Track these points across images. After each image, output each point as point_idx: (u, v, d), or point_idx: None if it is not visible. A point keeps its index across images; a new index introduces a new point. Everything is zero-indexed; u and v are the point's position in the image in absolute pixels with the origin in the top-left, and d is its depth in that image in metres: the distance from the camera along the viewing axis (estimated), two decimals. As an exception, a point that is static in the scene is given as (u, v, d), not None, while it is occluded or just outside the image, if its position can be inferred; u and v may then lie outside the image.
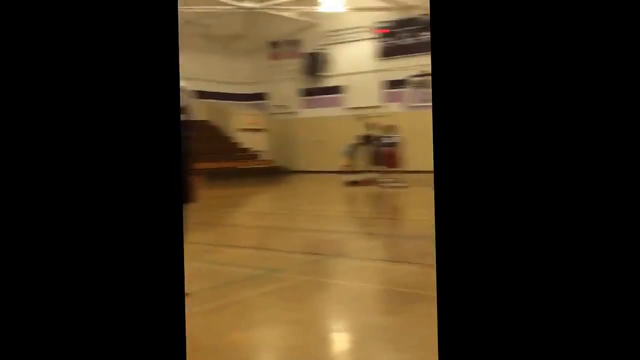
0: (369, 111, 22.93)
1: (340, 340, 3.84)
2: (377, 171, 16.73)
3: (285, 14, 23.98)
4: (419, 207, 11.90)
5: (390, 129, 16.10)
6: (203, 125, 24.64)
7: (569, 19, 1.09)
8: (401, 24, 22.88)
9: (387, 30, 23.19)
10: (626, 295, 1.09)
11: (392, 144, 15.67)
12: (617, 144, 1.07)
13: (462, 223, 1.24)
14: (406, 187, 15.23)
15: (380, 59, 23.49)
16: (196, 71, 23.88)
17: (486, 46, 1.16)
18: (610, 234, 1.09)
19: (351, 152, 17.41)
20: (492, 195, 1.18)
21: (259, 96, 27.29)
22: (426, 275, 5.58)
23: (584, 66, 1.09)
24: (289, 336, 3.79)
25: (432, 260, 5.42)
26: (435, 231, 1.27)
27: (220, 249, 7.09)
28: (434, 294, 4.69)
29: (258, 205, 14.60)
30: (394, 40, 23.15)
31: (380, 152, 16.30)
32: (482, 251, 1.20)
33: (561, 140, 1.10)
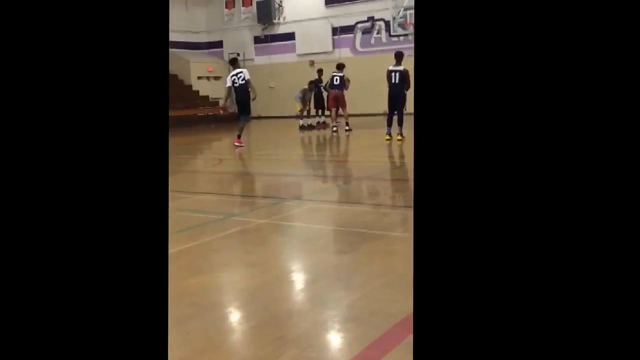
0: (320, 57, 22.75)
1: (295, 280, 3.91)
2: (327, 115, 16.71)
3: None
4: (366, 150, 11.99)
5: (339, 73, 15.94)
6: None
7: (551, 23, 1.07)
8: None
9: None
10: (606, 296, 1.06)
11: (338, 89, 15.57)
12: (604, 146, 1.05)
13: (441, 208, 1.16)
14: (350, 130, 15.34)
15: (329, 6, 23.18)
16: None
17: (469, 48, 1.12)
18: (590, 234, 1.06)
19: (303, 97, 17.30)
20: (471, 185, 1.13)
21: (215, 44, 26.80)
22: (375, 215, 5.68)
23: (563, 71, 1.07)
24: (247, 278, 3.84)
25: (379, 199, 5.55)
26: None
27: (180, 195, 7.05)
28: (382, 232, 4.79)
29: (217, 151, 14.51)
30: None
31: (329, 96, 16.21)
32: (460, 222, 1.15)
33: (543, 138, 1.07)
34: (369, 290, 3.38)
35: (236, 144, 12.69)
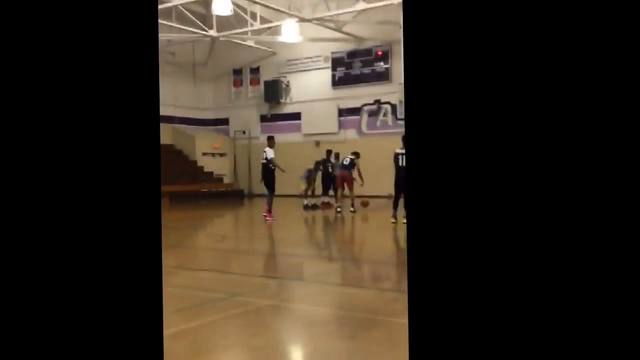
0: (325, 137, 22.99)
1: (300, 367, 3.78)
2: (332, 195, 16.72)
3: (247, 42, 23.98)
4: (371, 232, 11.92)
5: (345, 154, 16.18)
6: (168, 149, 24.39)
7: (541, 45, 1.07)
8: (355, 54, 23.06)
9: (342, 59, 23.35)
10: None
11: (347, 170, 15.73)
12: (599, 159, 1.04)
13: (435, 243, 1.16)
14: (355, 211, 15.42)
15: (336, 88, 23.60)
16: (162, 96, 23.71)
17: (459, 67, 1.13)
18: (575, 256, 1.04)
19: (309, 176, 17.39)
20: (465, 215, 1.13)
21: (222, 121, 27.16)
22: (381, 300, 5.56)
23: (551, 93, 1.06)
24: (251, 364, 3.71)
25: (384, 284, 5.40)
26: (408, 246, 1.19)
27: (182, 272, 6.96)
28: (389, 318, 4.65)
29: (220, 228, 14.44)
30: (348, 70, 23.31)
31: (335, 177, 16.37)
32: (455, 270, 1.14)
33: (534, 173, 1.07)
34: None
35: (264, 215, 13.82)
